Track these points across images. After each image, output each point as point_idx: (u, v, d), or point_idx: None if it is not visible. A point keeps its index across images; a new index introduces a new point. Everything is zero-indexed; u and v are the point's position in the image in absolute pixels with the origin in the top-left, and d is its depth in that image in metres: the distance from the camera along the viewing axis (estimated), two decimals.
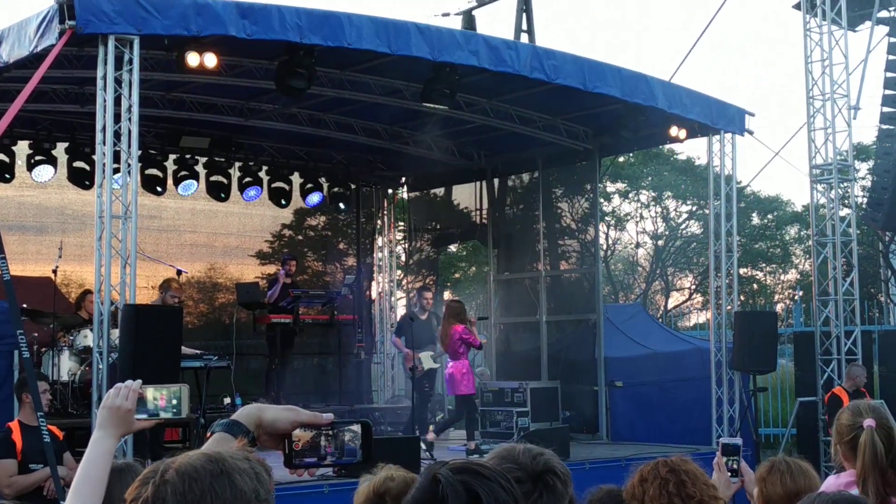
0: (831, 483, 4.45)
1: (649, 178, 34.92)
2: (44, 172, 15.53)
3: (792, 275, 39.70)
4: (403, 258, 20.55)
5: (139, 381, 2.63)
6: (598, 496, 4.06)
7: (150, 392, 2.62)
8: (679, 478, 3.68)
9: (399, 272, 20.32)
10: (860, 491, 4.22)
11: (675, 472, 3.71)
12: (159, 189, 16.42)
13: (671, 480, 3.68)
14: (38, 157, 15.40)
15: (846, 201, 16.02)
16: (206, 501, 1.88)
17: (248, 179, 17.37)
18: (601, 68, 13.16)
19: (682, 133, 14.74)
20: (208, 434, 2.35)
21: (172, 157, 16.55)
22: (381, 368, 19.07)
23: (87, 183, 15.28)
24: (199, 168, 16.84)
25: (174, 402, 2.61)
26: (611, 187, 34.01)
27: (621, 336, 17.27)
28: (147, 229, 15.71)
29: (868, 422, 4.36)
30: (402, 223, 20.71)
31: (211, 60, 11.42)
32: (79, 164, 15.52)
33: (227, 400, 13.53)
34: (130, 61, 10.24)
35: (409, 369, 14.34)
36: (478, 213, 18.67)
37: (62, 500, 7.41)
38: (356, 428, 2.35)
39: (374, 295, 19.66)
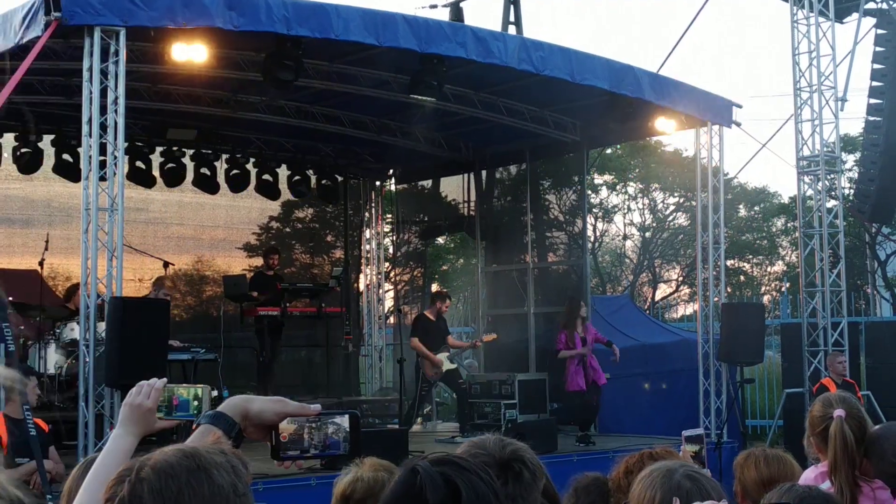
0: (809, 475, 4.47)
1: (637, 170, 34.98)
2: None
3: (779, 266, 39.80)
4: (391, 250, 20.54)
5: (164, 379, 2.59)
6: (584, 483, 4.07)
7: (172, 392, 2.58)
8: None
9: (387, 264, 20.31)
10: (831, 480, 4.25)
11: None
12: (146, 181, 16.37)
13: None
14: (24, 150, 15.33)
15: (833, 193, 16.04)
16: (183, 498, 1.86)
17: (235, 172, 17.32)
18: (589, 60, 13.15)
19: (670, 125, 14.74)
20: (194, 426, 2.33)
21: (159, 149, 16.50)
22: (369, 361, 19.07)
23: (73, 175, 15.21)
24: (186, 160, 16.78)
25: (195, 402, 2.58)
26: (598, 179, 34.03)
27: (609, 328, 17.27)
28: (134, 222, 15.66)
29: (838, 412, 4.40)
30: (389, 215, 20.69)
31: (201, 54, 11.36)
32: (65, 156, 15.45)
33: (215, 393, 13.51)
34: (116, 53, 10.19)
35: (430, 375, 14.35)
36: (465, 205, 18.67)
37: (48, 494, 7.38)
38: (341, 420, 2.33)
39: (361, 287, 19.64)
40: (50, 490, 7.44)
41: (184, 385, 2.59)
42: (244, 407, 2.32)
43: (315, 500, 9.41)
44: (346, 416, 2.34)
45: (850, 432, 4.33)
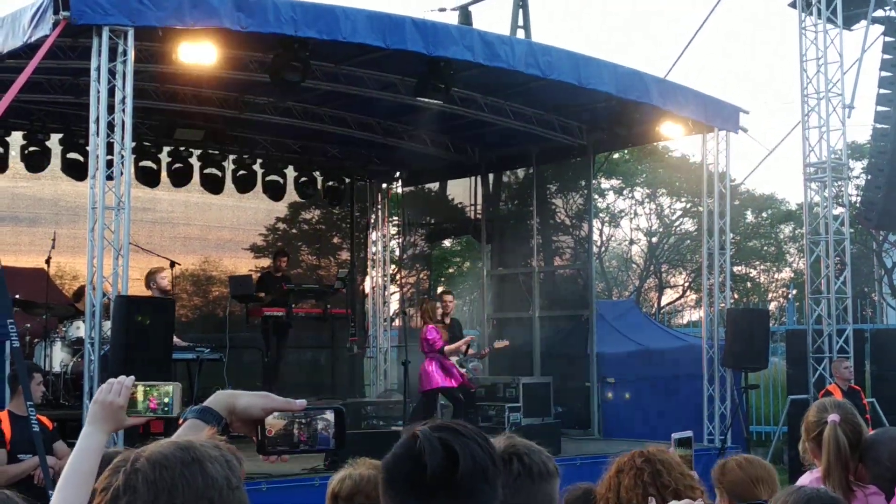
0: (804, 480, 4.47)
1: (644, 175, 34.96)
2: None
3: (786, 273, 39.78)
4: (397, 253, 20.53)
5: (132, 377, 2.62)
6: (576, 494, 4.04)
7: (142, 389, 2.61)
8: (654, 467, 3.59)
9: (393, 266, 20.31)
10: (825, 485, 4.25)
11: (651, 461, 3.64)
12: (153, 181, 16.39)
13: (646, 470, 3.59)
14: (32, 148, 15.37)
15: (840, 200, 15.98)
16: (177, 489, 1.87)
17: (242, 172, 17.34)
18: (596, 64, 13.15)
19: (677, 130, 14.74)
20: (181, 420, 2.35)
21: (167, 149, 16.53)
22: (374, 363, 19.07)
23: (80, 174, 15.23)
24: (194, 160, 16.81)
25: (165, 400, 2.60)
26: (605, 184, 34.03)
27: (614, 332, 17.29)
28: (141, 221, 15.69)
29: (832, 417, 4.40)
30: (396, 218, 20.69)
31: (208, 55, 11.39)
32: (73, 155, 15.48)
33: None
34: (124, 52, 10.22)
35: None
36: (472, 208, 18.67)
37: (51, 490, 7.39)
38: (329, 415, 2.34)
39: (367, 289, 19.65)
40: (53, 485, 7.45)
41: (150, 383, 2.62)
42: (230, 402, 2.34)
43: (317, 500, 9.44)
44: (332, 412, 2.36)
45: (844, 437, 4.33)
